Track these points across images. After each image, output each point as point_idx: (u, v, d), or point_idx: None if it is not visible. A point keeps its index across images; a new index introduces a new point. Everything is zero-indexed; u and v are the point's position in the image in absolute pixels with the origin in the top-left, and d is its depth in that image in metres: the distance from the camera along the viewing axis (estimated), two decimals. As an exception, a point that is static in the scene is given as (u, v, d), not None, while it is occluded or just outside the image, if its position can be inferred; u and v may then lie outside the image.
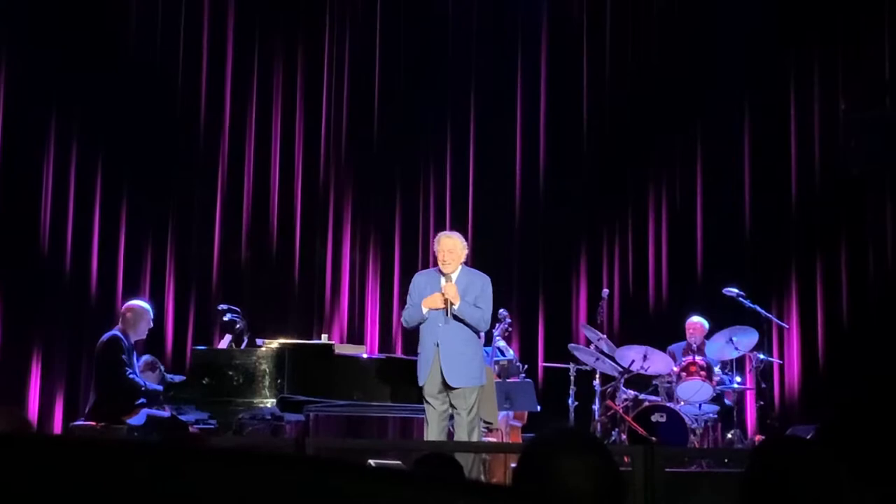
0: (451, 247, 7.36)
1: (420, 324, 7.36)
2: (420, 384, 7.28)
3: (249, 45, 11.64)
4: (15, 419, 3.42)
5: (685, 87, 11.53)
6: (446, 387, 7.21)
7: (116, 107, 10.95)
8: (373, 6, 11.84)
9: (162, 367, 8.88)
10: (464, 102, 11.85)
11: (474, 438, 7.27)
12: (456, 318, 7.23)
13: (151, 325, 8.60)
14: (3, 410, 3.95)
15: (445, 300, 7.21)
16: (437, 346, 7.21)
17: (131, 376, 8.09)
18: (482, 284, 7.37)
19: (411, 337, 10.76)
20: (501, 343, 9.69)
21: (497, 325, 9.69)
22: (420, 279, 7.53)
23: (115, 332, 8.29)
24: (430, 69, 11.81)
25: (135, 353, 8.34)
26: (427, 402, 7.26)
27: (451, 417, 7.35)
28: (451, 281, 7.28)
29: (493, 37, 11.90)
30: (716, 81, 11.48)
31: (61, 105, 10.91)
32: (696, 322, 10.16)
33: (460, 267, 7.36)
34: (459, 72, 11.82)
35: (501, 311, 9.75)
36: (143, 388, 8.12)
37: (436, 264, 7.53)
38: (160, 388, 8.19)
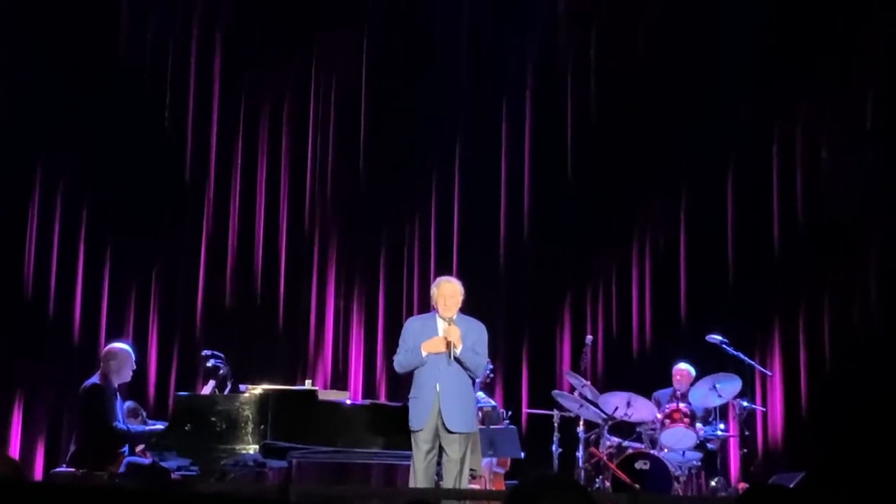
0: (452, 292, 7.38)
1: (415, 368, 7.32)
2: (416, 428, 7.21)
3: (236, 89, 11.68)
4: (6, 464, 3.48)
5: (669, 134, 11.60)
6: (439, 432, 7.18)
7: (102, 151, 10.96)
8: (358, 53, 11.91)
9: (144, 414, 8.84)
10: (449, 149, 11.89)
11: (464, 486, 7.25)
12: (457, 362, 7.22)
13: (135, 366, 8.56)
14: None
15: (448, 343, 7.20)
16: (438, 389, 7.18)
17: (116, 425, 8.05)
18: (479, 331, 7.41)
19: (395, 383, 10.78)
20: (480, 394, 9.68)
21: (479, 373, 9.68)
22: (415, 324, 7.52)
23: (96, 379, 8.23)
24: (415, 115, 11.85)
25: (118, 396, 8.29)
26: (417, 446, 7.20)
27: (438, 464, 7.33)
28: (451, 325, 7.26)
29: (478, 85, 11.97)
30: (700, 128, 11.54)
31: (48, 149, 10.92)
32: (684, 369, 10.18)
33: (457, 313, 7.37)
34: (445, 118, 11.86)
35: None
36: (128, 433, 8.07)
37: (427, 309, 7.55)
38: (144, 428, 8.15)
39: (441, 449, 7.25)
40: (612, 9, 12.01)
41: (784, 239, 11.45)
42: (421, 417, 7.20)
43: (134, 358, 8.52)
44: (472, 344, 7.30)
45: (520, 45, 11.99)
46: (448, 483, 7.15)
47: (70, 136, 10.91)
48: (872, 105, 11.17)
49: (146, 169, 11.16)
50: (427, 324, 7.40)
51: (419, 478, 7.16)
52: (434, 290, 7.47)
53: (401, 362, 7.42)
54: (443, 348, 7.21)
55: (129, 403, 8.68)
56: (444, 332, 7.24)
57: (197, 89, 11.57)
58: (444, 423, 7.17)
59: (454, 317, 7.34)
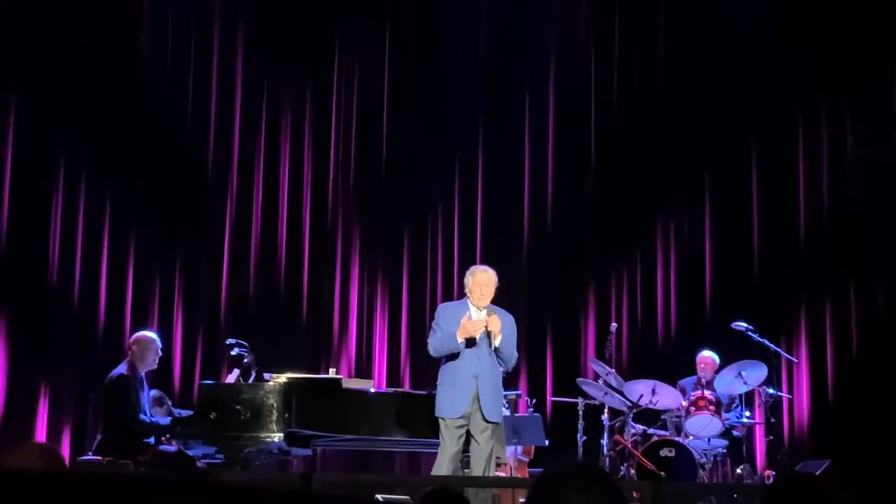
0: (488, 281, 7.38)
1: (450, 353, 7.29)
2: (454, 416, 7.17)
3: (259, 80, 11.69)
4: (48, 456, 3.54)
5: (694, 123, 11.55)
6: (472, 421, 7.16)
7: (126, 141, 10.98)
8: (381, 44, 11.89)
9: (169, 403, 8.87)
10: (472, 138, 11.87)
11: (492, 474, 7.26)
12: (495, 352, 7.22)
13: (160, 353, 8.58)
14: (35, 447, 4.07)
15: (488, 333, 7.19)
16: (476, 378, 7.17)
17: (141, 418, 8.07)
18: (511, 323, 7.43)
19: (419, 371, 10.79)
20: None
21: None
22: (448, 311, 7.48)
23: (123, 369, 8.26)
24: (438, 105, 11.84)
25: (145, 384, 8.32)
26: (449, 433, 7.17)
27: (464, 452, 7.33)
28: (493, 314, 7.25)
29: (501, 73, 11.95)
30: (725, 118, 11.48)
31: (71, 140, 10.94)
32: (708, 357, 10.14)
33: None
34: (468, 108, 11.85)
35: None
36: (152, 426, 8.10)
37: (450, 297, 7.54)
38: (168, 421, 8.18)
39: (469, 438, 7.22)
40: (634, -1, 11.98)
41: (809, 226, 11.39)
42: (460, 406, 7.18)
43: (159, 345, 8.54)
44: (507, 335, 7.29)
45: (543, 35, 11.95)
46: (477, 472, 7.14)
47: (93, 127, 10.91)
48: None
49: (170, 158, 11.19)
50: (460, 311, 7.36)
51: (446, 466, 7.14)
52: (469, 279, 7.45)
53: (436, 347, 7.36)
54: (476, 332, 7.15)
55: (154, 392, 8.71)
56: (487, 322, 7.21)
57: (220, 80, 11.58)
58: (481, 413, 7.15)
59: (488, 306, 7.32)
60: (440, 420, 7.25)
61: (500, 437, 7.88)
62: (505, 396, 9.30)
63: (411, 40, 11.95)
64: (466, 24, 11.99)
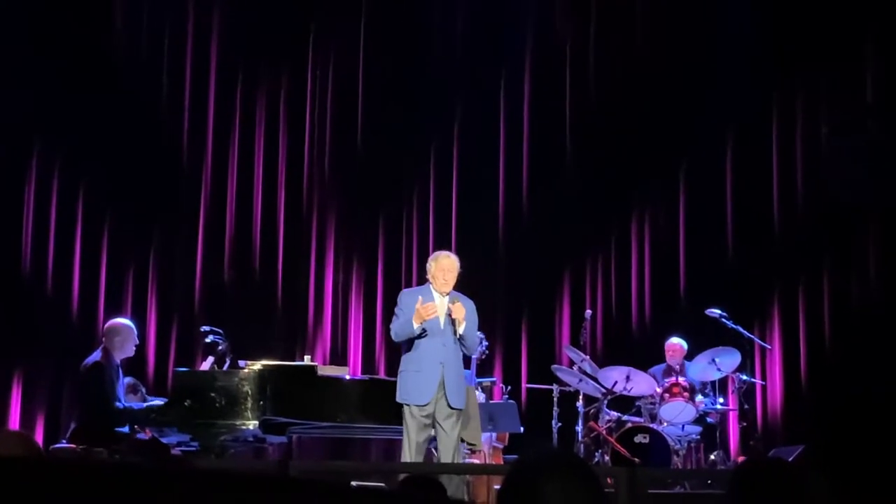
0: (451, 266, 7.34)
1: (409, 338, 7.28)
2: (420, 403, 7.14)
3: (233, 67, 11.64)
4: (23, 443, 3.56)
5: (669, 111, 11.57)
6: (437, 408, 7.15)
7: (99, 129, 10.92)
8: (356, 28, 11.86)
9: (143, 390, 8.84)
10: (447, 124, 11.87)
11: (458, 460, 7.26)
12: (459, 339, 7.23)
13: (137, 342, 8.54)
14: (11, 435, 4.09)
15: (452, 320, 7.18)
16: (442, 365, 7.17)
17: (116, 405, 8.04)
18: (472, 309, 7.40)
19: (395, 358, 10.76)
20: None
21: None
22: (409, 296, 7.44)
23: (98, 356, 8.22)
24: (413, 91, 11.83)
25: (121, 372, 8.29)
26: (415, 421, 7.14)
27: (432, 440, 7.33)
28: (456, 301, 7.24)
29: (477, 60, 11.93)
30: (699, 103, 11.51)
31: (45, 128, 10.89)
32: (676, 343, 10.19)
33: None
34: (443, 93, 11.84)
35: (479, 333, 9.75)
36: (127, 413, 8.06)
37: (422, 283, 7.53)
38: (143, 406, 8.14)
39: (434, 425, 7.21)
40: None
41: (783, 214, 11.44)
42: (426, 392, 7.15)
43: (136, 333, 8.51)
44: (469, 321, 7.29)
45: (518, 19, 11.95)
46: (446, 458, 7.14)
47: (66, 116, 10.86)
48: (873, 79, 11.13)
49: (144, 146, 11.13)
50: (423, 297, 7.32)
51: (414, 453, 7.12)
52: (431, 264, 7.41)
53: (396, 332, 7.35)
54: (430, 317, 7.10)
55: (128, 379, 8.67)
56: (451, 309, 7.20)
57: (193, 66, 11.53)
58: (447, 399, 7.15)
59: (450, 292, 7.31)
60: (404, 407, 7.20)
61: (474, 421, 7.88)
62: (479, 383, 9.35)
63: (387, 26, 11.91)
64: (443, 11, 11.97)
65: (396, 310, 7.42)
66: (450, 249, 11.16)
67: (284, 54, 11.79)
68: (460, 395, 7.23)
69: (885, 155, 10.70)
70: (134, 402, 8.36)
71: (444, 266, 7.32)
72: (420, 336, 7.22)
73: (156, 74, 11.38)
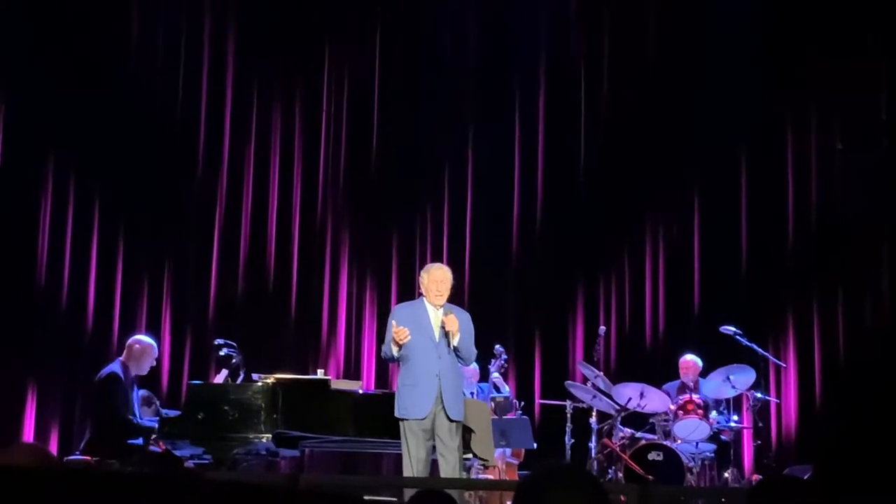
0: (444, 278, 7.32)
1: (398, 357, 7.25)
2: (419, 416, 7.09)
3: (248, 81, 11.69)
4: (39, 455, 3.59)
5: (683, 126, 11.57)
6: (436, 421, 7.11)
7: (115, 143, 10.98)
8: (371, 44, 11.90)
9: (157, 403, 8.86)
10: (461, 139, 11.88)
11: (460, 474, 7.21)
12: (455, 351, 7.17)
13: (154, 363, 8.58)
14: (27, 447, 4.14)
15: (446, 332, 7.15)
16: (438, 378, 7.12)
17: (130, 419, 8.06)
18: (468, 320, 7.36)
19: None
20: (496, 376, 9.68)
21: (493, 360, 9.69)
22: (403, 311, 7.42)
23: (116, 367, 8.24)
24: (428, 106, 11.85)
25: (135, 386, 8.31)
26: (414, 435, 7.09)
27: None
28: (450, 313, 7.20)
29: (491, 73, 11.95)
30: (714, 119, 11.50)
31: (61, 141, 10.94)
32: (690, 360, 10.16)
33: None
34: (458, 109, 11.86)
35: (498, 347, 9.75)
36: (140, 427, 8.09)
37: (417, 296, 7.52)
38: (155, 423, 8.16)
39: (434, 439, 7.14)
40: (624, -1, 12.00)
41: (798, 230, 11.41)
42: (424, 406, 7.10)
43: (156, 354, 8.57)
44: (465, 332, 7.24)
45: (532, 36, 11.97)
46: (449, 471, 7.07)
47: (82, 127, 10.91)
48: (887, 96, 11.11)
49: (159, 158, 11.18)
50: (416, 311, 7.32)
51: (420, 468, 7.06)
52: (424, 276, 7.38)
53: (385, 351, 7.36)
54: (401, 340, 7.09)
55: (142, 392, 8.70)
56: (445, 322, 7.16)
57: (209, 80, 11.58)
58: (445, 411, 7.09)
59: (444, 305, 7.27)
60: (402, 423, 7.15)
61: (486, 436, 7.83)
62: (493, 398, 9.34)
63: (401, 42, 11.95)
64: (456, 25, 12.00)
65: (387, 329, 7.36)
66: (463, 264, 11.28)
67: (300, 70, 11.84)
68: (458, 406, 7.17)
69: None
70: (147, 415, 8.38)
71: (438, 278, 7.30)
72: (414, 349, 7.18)
73: (172, 88, 11.43)
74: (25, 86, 10.78)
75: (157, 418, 8.27)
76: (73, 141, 10.96)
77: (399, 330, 7.10)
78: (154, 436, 8.12)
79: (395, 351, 7.20)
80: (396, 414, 7.20)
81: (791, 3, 11.37)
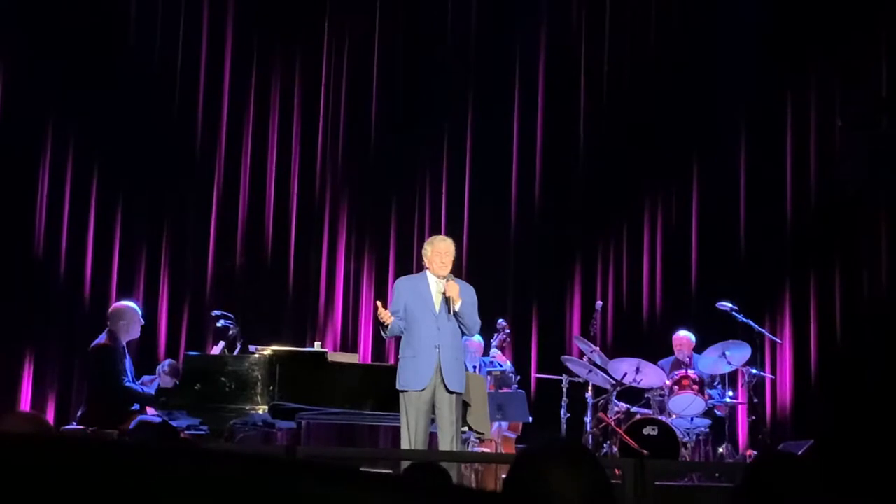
0: (447, 249, 7.29)
1: (400, 333, 7.27)
2: (418, 388, 7.05)
3: (247, 54, 11.66)
4: (36, 423, 3.62)
5: (682, 103, 11.55)
6: (436, 393, 7.10)
7: (113, 114, 10.96)
8: (371, 16, 11.85)
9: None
10: (460, 113, 11.86)
11: (457, 447, 7.21)
12: (455, 318, 7.14)
13: (142, 322, 8.56)
14: (24, 416, 4.17)
15: (447, 299, 7.15)
16: (438, 349, 7.12)
17: (127, 384, 8.08)
18: (472, 291, 7.33)
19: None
20: (495, 351, 9.70)
21: (495, 335, 9.72)
22: (405, 283, 7.43)
23: (104, 339, 8.24)
24: (427, 79, 11.82)
25: (127, 354, 8.32)
26: (415, 407, 7.05)
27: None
28: (450, 280, 7.16)
29: (491, 49, 11.92)
30: (712, 97, 11.50)
31: (59, 112, 10.94)
32: (683, 336, 10.17)
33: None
34: (457, 82, 11.83)
35: (500, 321, 9.77)
36: (137, 395, 8.11)
37: (420, 269, 7.51)
38: (152, 392, 8.17)
39: (434, 410, 7.12)
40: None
41: (796, 207, 11.42)
42: (424, 377, 7.06)
43: (140, 314, 8.53)
44: (469, 302, 7.21)
45: (532, 7, 11.93)
46: (445, 441, 7.05)
47: (80, 97, 10.90)
48: (888, 72, 11.10)
49: (158, 129, 11.16)
50: (419, 283, 7.31)
51: (419, 440, 7.04)
52: (428, 248, 7.35)
53: (384, 333, 7.36)
54: (386, 319, 7.12)
55: (169, 361, 8.79)
56: (445, 287, 7.14)
57: (209, 50, 11.55)
58: (444, 383, 7.07)
59: (446, 276, 7.24)
60: (402, 394, 7.12)
61: (482, 410, 7.83)
62: (489, 372, 9.37)
63: (402, 14, 11.91)
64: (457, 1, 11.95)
65: (392, 300, 7.38)
66: (462, 237, 11.28)
67: (299, 42, 11.80)
68: (459, 378, 7.14)
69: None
70: (146, 388, 8.40)
71: (441, 249, 7.28)
72: (414, 321, 7.18)
73: (171, 60, 11.40)
74: (25, 57, 10.75)
75: (155, 387, 8.29)
76: (72, 111, 10.95)
77: (382, 312, 7.12)
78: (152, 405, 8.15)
79: (383, 332, 7.22)
80: (397, 386, 7.19)
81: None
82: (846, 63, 11.20)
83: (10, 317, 10.44)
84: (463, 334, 7.32)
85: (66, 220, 10.87)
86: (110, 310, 8.63)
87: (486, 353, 9.78)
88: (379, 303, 7.27)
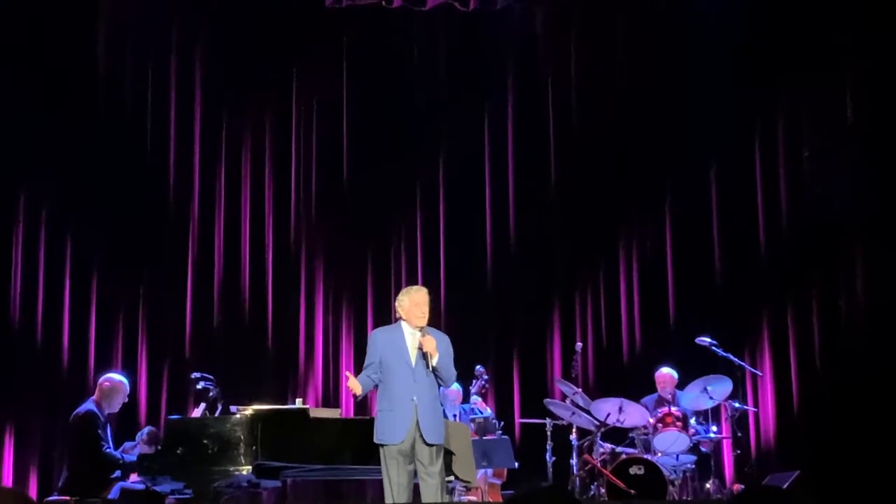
0: (425, 300, 7.29)
1: (374, 386, 7.25)
2: (395, 442, 7.04)
3: (218, 110, 11.67)
4: (20, 501, 3.60)
5: (652, 138, 11.61)
6: (416, 446, 7.07)
7: (86, 177, 10.94)
8: (339, 65, 11.88)
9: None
10: (433, 163, 11.90)
11: (443, 497, 7.18)
12: (433, 372, 7.12)
13: (126, 400, 8.57)
14: (8, 493, 4.15)
15: (423, 353, 7.12)
16: (415, 401, 7.08)
17: (107, 451, 8.05)
18: (447, 342, 7.32)
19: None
20: (476, 399, 9.68)
21: (474, 381, 9.71)
22: (381, 335, 7.40)
23: (90, 405, 8.24)
24: (398, 126, 11.86)
25: (108, 425, 8.30)
26: (395, 461, 7.03)
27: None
28: (427, 334, 7.16)
29: (460, 94, 11.95)
30: (682, 132, 11.56)
31: (32, 176, 10.92)
32: (666, 374, 10.21)
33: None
34: (428, 129, 11.87)
35: (478, 367, 9.76)
36: (119, 462, 8.07)
37: (394, 321, 7.49)
38: (134, 458, 8.13)
39: (414, 463, 7.09)
40: (590, 15, 12.03)
41: (769, 239, 11.47)
42: (400, 431, 7.05)
43: (128, 391, 8.58)
44: (444, 354, 7.20)
45: (499, 55, 12.01)
46: (430, 496, 7.03)
47: (52, 163, 10.89)
48: (852, 100, 11.19)
49: (130, 193, 11.13)
50: (394, 334, 7.29)
51: (402, 493, 7.01)
52: (404, 299, 7.33)
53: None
54: (357, 390, 7.16)
55: (149, 428, 8.77)
56: (421, 342, 7.13)
57: (178, 109, 11.55)
58: (422, 436, 7.05)
59: (423, 326, 7.24)
60: (381, 448, 7.11)
61: (467, 458, 7.81)
62: (473, 419, 9.34)
63: (370, 63, 11.94)
64: (424, 48, 12.01)
65: (368, 352, 7.36)
66: (439, 286, 11.28)
67: (268, 97, 11.83)
68: (437, 430, 7.13)
69: (865, 172, 10.75)
70: (127, 456, 8.35)
71: (418, 300, 7.27)
72: (390, 374, 7.16)
73: (141, 120, 11.39)
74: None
75: (136, 453, 8.25)
76: (45, 175, 10.94)
77: (352, 384, 7.16)
78: (134, 472, 8.09)
79: (359, 395, 7.31)
80: (375, 439, 7.17)
81: (757, 12, 11.42)
82: (813, 91, 11.25)
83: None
84: (439, 385, 7.30)
85: (41, 286, 10.83)
86: (101, 380, 8.66)
87: (465, 400, 9.76)
88: (349, 373, 7.27)
